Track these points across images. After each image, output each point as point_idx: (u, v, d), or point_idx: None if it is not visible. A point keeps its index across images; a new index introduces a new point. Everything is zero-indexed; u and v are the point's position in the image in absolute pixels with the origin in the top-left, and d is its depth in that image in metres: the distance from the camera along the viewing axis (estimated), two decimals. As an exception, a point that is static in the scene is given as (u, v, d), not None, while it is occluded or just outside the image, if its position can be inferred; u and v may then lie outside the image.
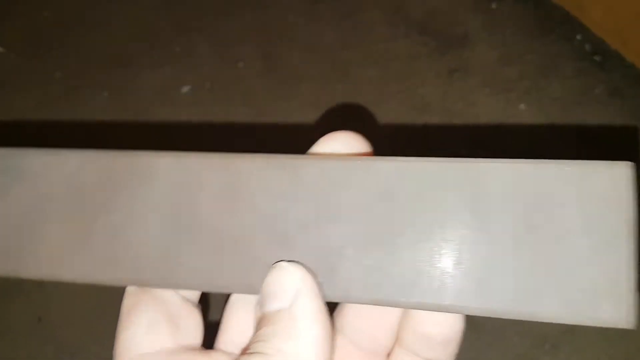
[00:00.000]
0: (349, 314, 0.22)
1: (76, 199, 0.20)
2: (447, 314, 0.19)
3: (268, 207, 0.18)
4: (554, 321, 0.16)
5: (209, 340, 0.21)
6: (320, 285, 0.18)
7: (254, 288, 0.18)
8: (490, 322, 0.50)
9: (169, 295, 0.20)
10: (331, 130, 0.21)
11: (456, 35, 0.61)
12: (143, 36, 0.67)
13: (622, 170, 0.16)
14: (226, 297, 0.21)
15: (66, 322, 0.54)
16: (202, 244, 0.19)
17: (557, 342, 0.49)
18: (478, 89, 0.59)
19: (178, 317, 0.20)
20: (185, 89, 0.64)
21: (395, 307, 0.18)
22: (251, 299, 0.19)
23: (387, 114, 0.59)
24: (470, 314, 0.17)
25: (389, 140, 0.56)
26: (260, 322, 0.18)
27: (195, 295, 0.21)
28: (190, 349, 0.20)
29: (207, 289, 0.19)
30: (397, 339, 0.21)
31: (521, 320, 0.17)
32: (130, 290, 0.20)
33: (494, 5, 0.62)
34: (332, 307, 0.19)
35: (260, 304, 0.18)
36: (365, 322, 0.22)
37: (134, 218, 0.19)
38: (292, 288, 0.17)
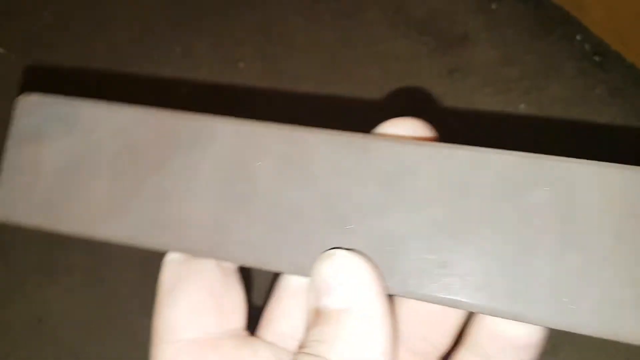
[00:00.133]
0: (405, 312, 0.20)
1: (128, 156, 0.18)
2: None
3: (330, 185, 0.17)
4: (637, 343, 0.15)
5: (250, 323, 0.20)
6: (382, 279, 0.16)
7: (305, 270, 0.17)
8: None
9: (212, 269, 0.19)
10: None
11: (456, 35, 0.61)
12: (143, 36, 0.67)
13: None
14: (262, 280, 0.20)
15: (66, 322, 0.54)
16: (254, 216, 0.17)
17: (557, 342, 0.49)
18: (478, 89, 0.59)
19: (221, 296, 0.18)
20: (185, 89, 0.64)
21: (466, 310, 0.16)
22: (301, 288, 0.18)
23: (387, 114, 0.59)
24: (553, 327, 0.15)
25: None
26: (316, 319, 0.16)
27: (234, 271, 0.19)
28: (235, 335, 0.18)
29: (255, 265, 0.18)
30: (463, 340, 0.19)
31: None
32: (170, 260, 0.19)
33: (494, 6, 0.62)
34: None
35: (315, 296, 0.16)
36: (422, 322, 0.20)
37: (186, 181, 0.18)
38: (352, 283, 0.15)
